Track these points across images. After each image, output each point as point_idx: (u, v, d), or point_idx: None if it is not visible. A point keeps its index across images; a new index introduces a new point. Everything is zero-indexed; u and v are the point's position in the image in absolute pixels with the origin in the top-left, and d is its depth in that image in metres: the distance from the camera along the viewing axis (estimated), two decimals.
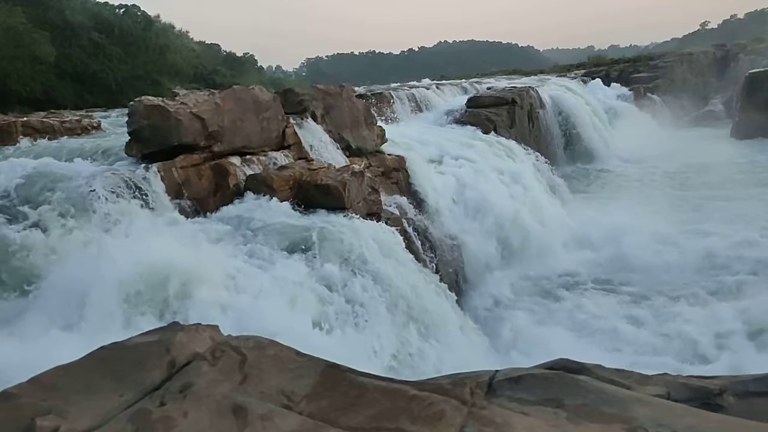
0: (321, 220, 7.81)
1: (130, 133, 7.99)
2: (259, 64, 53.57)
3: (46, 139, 10.10)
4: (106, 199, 6.83)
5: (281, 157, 9.45)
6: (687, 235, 12.39)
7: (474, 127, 17.18)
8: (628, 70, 34.75)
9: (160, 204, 7.37)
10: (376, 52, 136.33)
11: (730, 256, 11.16)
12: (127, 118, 8.07)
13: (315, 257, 6.92)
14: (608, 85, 31.10)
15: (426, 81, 30.58)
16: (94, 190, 6.84)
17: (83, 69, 29.19)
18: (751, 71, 27.43)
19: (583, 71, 35.46)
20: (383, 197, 10.01)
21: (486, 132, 17.05)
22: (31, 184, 7.01)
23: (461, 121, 17.87)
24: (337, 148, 11.04)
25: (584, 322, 9.28)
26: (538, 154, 17.75)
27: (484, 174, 13.66)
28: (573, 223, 13.46)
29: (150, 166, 7.66)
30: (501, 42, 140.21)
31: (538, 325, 9.22)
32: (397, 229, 8.75)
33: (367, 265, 7.21)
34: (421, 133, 15.52)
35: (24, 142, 9.70)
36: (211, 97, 8.64)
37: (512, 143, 17.01)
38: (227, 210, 7.99)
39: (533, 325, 9.24)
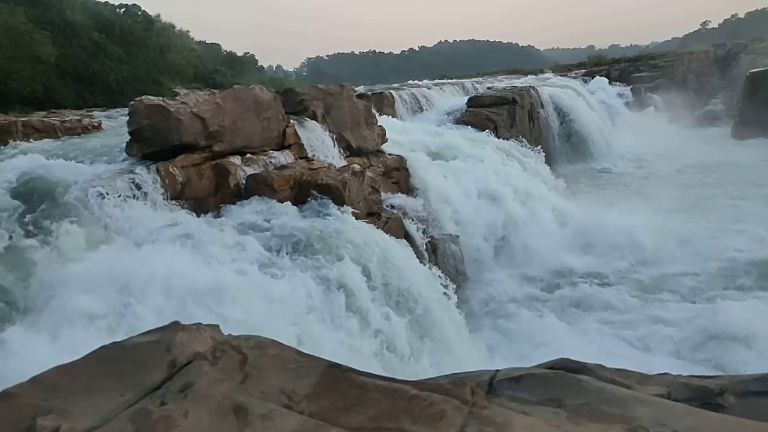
0: (381, 241, 7.19)
1: (130, 133, 7.98)
2: (259, 64, 53.58)
3: (47, 139, 10.11)
4: (109, 200, 6.78)
5: (282, 157, 9.45)
6: (691, 234, 12.37)
7: (480, 130, 17.03)
8: (629, 69, 34.77)
9: (162, 205, 7.34)
10: (376, 52, 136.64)
11: (739, 253, 11.18)
12: (127, 118, 8.07)
13: (377, 297, 6.37)
14: (609, 84, 31.13)
15: (426, 81, 30.61)
16: (99, 193, 6.78)
17: (84, 69, 29.16)
18: (751, 71, 27.38)
19: (583, 71, 35.48)
20: (383, 196, 10.02)
21: (490, 131, 16.98)
22: (31, 186, 6.85)
23: (462, 121, 17.88)
24: (338, 148, 11.04)
25: (592, 319, 9.26)
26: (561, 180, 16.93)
27: (535, 203, 12.54)
28: (577, 224, 13.36)
29: (150, 166, 7.65)
30: (501, 42, 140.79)
31: (542, 323, 9.14)
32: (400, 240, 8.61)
33: (435, 329, 6.65)
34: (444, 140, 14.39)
35: (23, 141, 9.71)
36: (212, 96, 8.64)
37: (540, 165, 15.98)
38: (241, 216, 7.59)
39: (537, 323, 9.17)
